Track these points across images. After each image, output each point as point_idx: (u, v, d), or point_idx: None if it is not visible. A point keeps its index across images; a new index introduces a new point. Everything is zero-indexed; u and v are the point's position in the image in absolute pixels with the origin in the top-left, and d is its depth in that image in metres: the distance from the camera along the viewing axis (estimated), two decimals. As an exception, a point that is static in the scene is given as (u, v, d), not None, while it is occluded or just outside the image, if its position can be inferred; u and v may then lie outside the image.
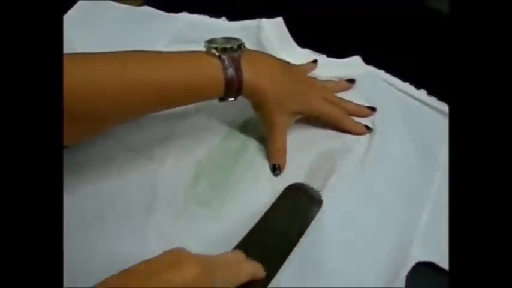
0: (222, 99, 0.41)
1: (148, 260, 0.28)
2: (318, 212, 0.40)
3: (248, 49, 0.41)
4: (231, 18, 0.57)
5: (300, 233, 0.39)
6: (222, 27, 0.56)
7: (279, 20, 0.55)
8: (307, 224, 0.40)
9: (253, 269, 0.34)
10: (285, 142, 0.45)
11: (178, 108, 0.43)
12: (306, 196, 0.41)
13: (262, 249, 0.37)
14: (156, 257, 0.28)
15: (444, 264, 0.38)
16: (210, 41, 0.40)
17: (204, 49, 0.40)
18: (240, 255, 0.34)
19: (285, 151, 0.45)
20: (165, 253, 0.28)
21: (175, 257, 0.28)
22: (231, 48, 0.39)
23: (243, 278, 0.32)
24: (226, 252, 0.34)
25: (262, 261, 0.35)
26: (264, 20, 0.55)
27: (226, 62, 0.38)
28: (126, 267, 0.38)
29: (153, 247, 0.39)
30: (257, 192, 0.43)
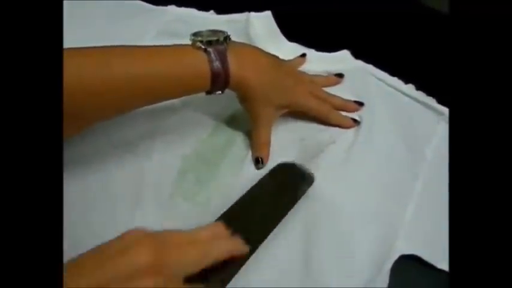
0: (208, 92, 0.40)
1: (103, 244, 0.27)
2: (308, 188, 0.40)
3: (234, 41, 0.41)
4: (219, 11, 0.57)
5: (288, 207, 0.38)
6: (210, 20, 0.56)
7: (268, 13, 0.54)
8: (296, 199, 0.39)
9: (232, 245, 0.32)
10: (269, 135, 0.45)
11: (165, 103, 0.43)
12: (296, 173, 0.41)
13: (246, 221, 0.35)
14: (110, 241, 0.27)
15: (428, 257, 0.38)
16: (196, 34, 0.39)
17: (189, 42, 0.39)
18: (218, 229, 0.32)
19: (268, 144, 0.44)
20: (120, 236, 0.27)
21: (127, 241, 0.27)
22: (217, 40, 0.39)
23: (215, 256, 0.30)
24: (202, 227, 0.32)
25: (245, 234, 0.33)
26: (252, 14, 0.54)
27: (212, 55, 0.38)
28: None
29: None
30: (244, 187, 0.42)
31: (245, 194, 0.38)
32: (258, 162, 0.44)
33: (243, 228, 0.33)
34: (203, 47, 0.38)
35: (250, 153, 0.45)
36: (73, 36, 0.51)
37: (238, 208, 0.37)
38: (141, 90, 0.37)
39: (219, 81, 0.39)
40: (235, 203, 0.37)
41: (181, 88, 0.39)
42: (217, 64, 0.38)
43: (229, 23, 0.54)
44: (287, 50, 0.52)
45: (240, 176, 0.43)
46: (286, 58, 0.50)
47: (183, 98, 0.46)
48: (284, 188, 0.40)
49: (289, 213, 0.40)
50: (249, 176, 0.43)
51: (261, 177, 0.41)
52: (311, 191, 0.41)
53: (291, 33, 0.54)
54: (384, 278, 0.37)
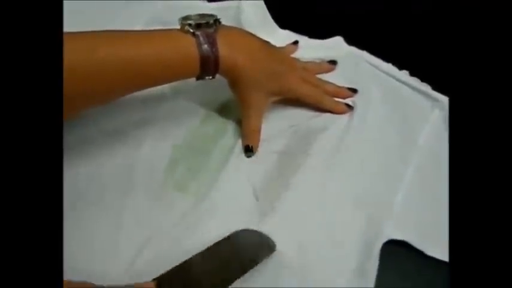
0: (199, 77, 0.39)
1: None
2: (267, 257, 0.37)
3: (224, 25, 0.40)
4: (210, -1, 0.56)
5: (236, 276, 0.35)
6: (200, 8, 0.55)
7: (260, 1, 0.53)
8: (251, 267, 0.36)
9: None
10: (259, 122, 0.44)
11: (155, 91, 0.42)
12: (256, 241, 0.38)
13: (190, 282, 0.33)
14: None
15: (417, 244, 0.38)
16: (185, 18, 0.39)
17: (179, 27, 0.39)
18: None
19: (258, 132, 0.44)
20: None
21: None
22: (206, 23, 0.38)
23: None
24: (135, 284, 0.29)
25: None
26: (244, 1, 0.53)
27: (201, 38, 0.37)
28: (101, 253, 0.38)
29: (129, 232, 0.39)
30: (235, 176, 0.42)
31: (191, 257, 0.35)
32: (248, 150, 0.43)
33: None
34: (192, 30, 0.37)
35: (240, 141, 0.44)
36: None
37: (175, 273, 0.34)
38: (129, 75, 0.36)
39: (209, 65, 0.38)
40: (174, 267, 0.34)
41: (170, 73, 0.38)
42: (206, 47, 0.37)
43: (221, 10, 0.53)
44: (279, 37, 0.51)
45: (231, 165, 0.43)
46: (278, 45, 0.49)
47: (174, 86, 0.45)
48: (237, 255, 0.36)
49: (280, 195, 0.40)
50: (240, 164, 0.43)
51: (220, 239, 0.37)
52: (300, 175, 0.41)
53: (283, 20, 0.53)
54: (374, 264, 0.37)
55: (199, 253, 0.36)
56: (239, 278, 0.35)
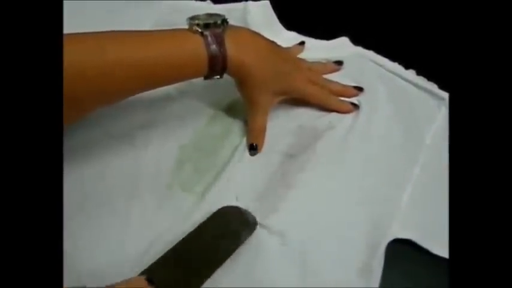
0: (207, 77, 0.40)
1: None
2: (249, 236, 0.38)
3: (232, 25, 0.40)
4: (216, 1, 0.56)
5: (221, 260, 0.35)
6: (206, 10, 0.55)
7: (266, 2, 0.54)
8: (236, 246, 0.36)
9: None
10: (265, 121, 0.44)
11: (160, 92, 0.42)
12: (239, 218, 0.39)
13: (171, 278, 0.33)
14: None
15: (423, 242, 0.38)
16: (193, 18, 0.39)
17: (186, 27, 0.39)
18: (139, 284, 0.30)
19: (263, 131, 0.44)
20: None
21: None
22: (214, 23, 0.38)
23: None
24: (121, 282, 0.29)
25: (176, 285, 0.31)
26: (250, 3, 0.54)
27: (209, 38, 0.37)
28: (109, 254, 0.38)
29: (137, 234, 0.39)
30: (240, 175, 0.42)
31: (176, 244, 0.36)
32: (252, 148, 0.43)
33: (166, 285, 0.31)
34: (200, 30, 0.37)
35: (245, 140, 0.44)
36: (68, 26, 0.51)
37: (164, 262, 0.34)
38: (137, 75, 0.36)
39: (217, 65, 0.38)
40: (162, 256, 0.34)
41: (178, 72, 0.38)
42: (214, 47, 0.37)
43: (227, 12, 0.52)
44: (285, 38, 0.51)
45: (237, 165, 0.43)
46: (284, 46, 0.49)
47: (179, 87, 0.45)
48: (221, 237, 0.37)
49: (285, 194, 0.40)
50: (244, 164, 0.43)
51: (202, 221, 0.38)
52: (305, 174, 0.41)
53: (288, 21, 0.53)
54: (379, 262, 0.37)
55: (183, 239, 0.36)
56: (226, 259, 0.36)
